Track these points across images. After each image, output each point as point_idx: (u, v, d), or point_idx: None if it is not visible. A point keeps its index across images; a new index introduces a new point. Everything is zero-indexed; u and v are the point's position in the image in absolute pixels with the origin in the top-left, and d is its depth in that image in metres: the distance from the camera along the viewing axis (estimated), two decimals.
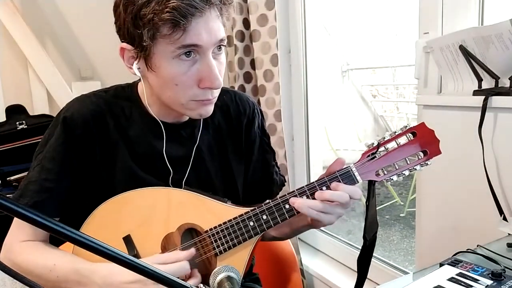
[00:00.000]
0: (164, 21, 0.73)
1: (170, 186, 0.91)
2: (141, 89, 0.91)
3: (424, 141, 0.84)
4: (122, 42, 0.81)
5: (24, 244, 0.85)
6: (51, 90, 2.20)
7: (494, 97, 0.95)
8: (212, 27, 0.77)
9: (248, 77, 1.81)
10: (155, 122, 0.90)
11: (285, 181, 1.10)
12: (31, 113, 2.10)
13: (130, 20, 0.76)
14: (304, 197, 0.83)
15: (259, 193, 1.02)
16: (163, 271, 0.77)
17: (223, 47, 0.82)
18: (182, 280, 0.79)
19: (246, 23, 1.75)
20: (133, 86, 0.93)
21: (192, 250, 0.81)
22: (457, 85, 1.09)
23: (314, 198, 0.83)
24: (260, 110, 1.06)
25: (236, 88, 1.79)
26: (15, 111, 2.03)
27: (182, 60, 0.77)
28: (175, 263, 0.77)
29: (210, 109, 0.86)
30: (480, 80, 1.00)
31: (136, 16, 0.75)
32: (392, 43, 4.54)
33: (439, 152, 0.84)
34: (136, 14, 0.75)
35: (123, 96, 0.92)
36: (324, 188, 0.83)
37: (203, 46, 0.77)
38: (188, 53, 0.77)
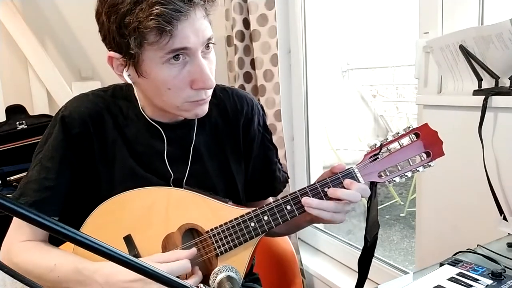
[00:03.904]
0: (149, 28, 0.72)
1: (171, 186, 0.91)
2: None
3: (428, 142, 0.83)
4: (109, 50, 0.80)
5: (23, 244, 0.85)
6: (51, 90, 2.19)
7: (494, 97, 0.95)
8: (198, 27, 0.76)
9: (248, 77, 1.81)
10: (151, 123, 0.90)
11: (289, 178, 1.09)
12: (31, 113, 2.09)
13: (115, 29, 0.75)
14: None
15: (262, 191, 1.02)
16: (164, 271, 0.77)
17: (211, 45, 0.82)
18: (183, 278, 0.80)
19: (246, 23, 1.75)
20: (131, 85, 0.93)
21: (194, 250, 0.81)
22: (457, 85, 1.09)
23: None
24: (261, 106, 1.05)
25: None
26: (15, 111, 2.03)
27: (172, 64, 0.77)
28: (176, 261, 0.77)
29: (205, 108, 0.86)
30: (480, 80, 1.00)
31: (121, 25, 0.74)
32: (392, 43, 4.53)
33: (442, 154, 0.84)
34: (120, 23, 0.73)
35: (121, 96, 0.92)
36: (326, 189, 0.83)
37: (191, 48, 0.76)
38: (176, 57, 0.76)
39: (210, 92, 0.84)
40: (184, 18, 0.74)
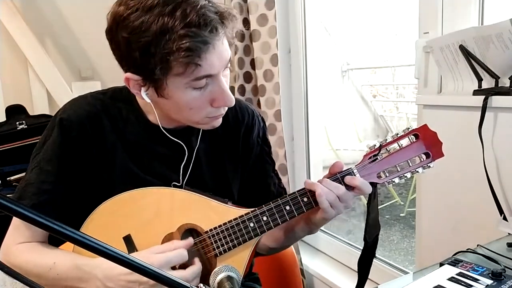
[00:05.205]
0: (179, 61, 0.72)
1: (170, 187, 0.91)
2: None
3: (427, 143, 0.83)
4: (126, 71, 0.78)
5: (22, 246, 0.85)
6: (51, 90, 2.20)
7: (494, 97, 0.95)
8: (221, 52, 0.77)
9: (248, 77, 1.81)
10: (152, 126, 0.90)
11: (285, 194, 1.08)
12: (31, 113, 2.10)
13: (138, 55, 0.73)
14: (305, 199, 0.84)
15: (254, 203, 1.01)
16: (161, 261, 0.77)
17: (228, 63, 0.82)
18: (181, 267, 0.80)
19: (246, 23, 1.75)
20: None
21: (190, 239, 0.82)
22: (457, 85, 1.09)
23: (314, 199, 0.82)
24: (262, 118, 1.05)
25: (236, 88, 1.79)
26: (15, 111, 2.03)
27: (195, 88, 0.78)
28: (173, 251, 0.78)
29: (221, 120, 0.88)
30: (480, 80, 1.00)
31: (145, 52, 0.72)
32: (392, 43, 4.54)
33: (442, 155, 0.83)
34: (145, 50, 0.72)
35: (120, 98, 0.91)
36: None
37: (215, 74, 0.77)
38: (200, 82, 0.77)
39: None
40: (211, 48, 0.74)
